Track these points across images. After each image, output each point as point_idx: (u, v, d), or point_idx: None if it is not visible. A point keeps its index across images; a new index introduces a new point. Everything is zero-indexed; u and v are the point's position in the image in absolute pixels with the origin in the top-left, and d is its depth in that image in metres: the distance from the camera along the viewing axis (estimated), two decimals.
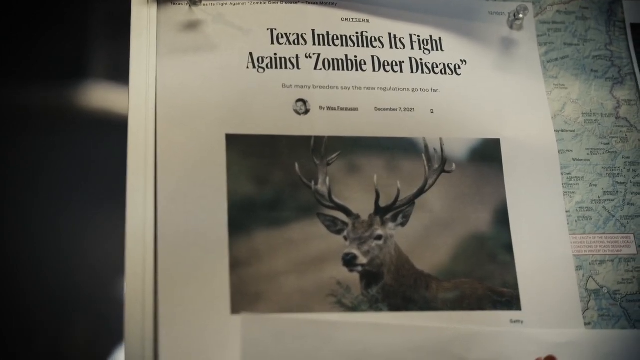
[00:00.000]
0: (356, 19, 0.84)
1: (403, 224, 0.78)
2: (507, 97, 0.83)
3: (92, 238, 0.96)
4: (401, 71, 0.83)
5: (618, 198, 0.82)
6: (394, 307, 0.75)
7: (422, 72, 0.83)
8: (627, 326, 0.78)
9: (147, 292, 0.72)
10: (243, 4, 0.82)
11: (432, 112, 0.82)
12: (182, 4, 0.81)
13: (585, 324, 0.78)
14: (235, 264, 0.74)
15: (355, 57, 0.82)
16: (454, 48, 0.85)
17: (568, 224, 0.80)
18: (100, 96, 1.01)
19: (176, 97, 0.78)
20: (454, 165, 0.80)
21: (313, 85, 0.81)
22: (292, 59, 0.81)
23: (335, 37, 0.83)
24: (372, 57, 0.83)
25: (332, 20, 0.83)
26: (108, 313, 0.93)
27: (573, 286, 0.79)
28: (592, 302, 0.78)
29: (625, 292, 0.79)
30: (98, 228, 0.97)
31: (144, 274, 0.72)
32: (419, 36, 0.84)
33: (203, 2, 0.81)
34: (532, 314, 0.77)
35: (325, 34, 0.83)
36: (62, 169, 0.98)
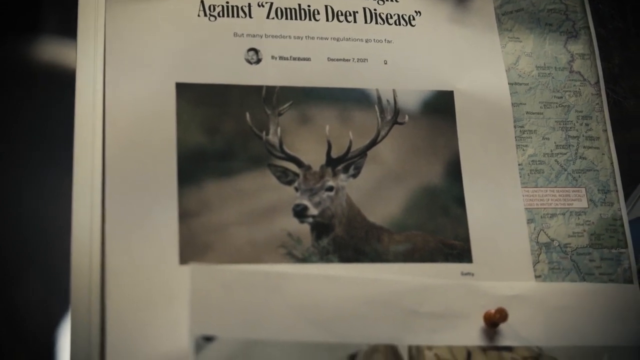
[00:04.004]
0: None
1: (355, 176, 0.77)
2: (461, 50, 0.83)
3: (39, 192, 0.94)
4: (355, 21, 0.82)
5: (570, 152, 0.82)
6: (345, 259, 0.75)
7: (376, 23, 0.82)
8: (577, 279, 0.79)
9: (94, 242, 0.71)
10: None
11: (386, 63, 0.81)
12: None
13: (536, 276, 0.78)
14: (185, 215, 0.73)
15: (309, 6, 0.81)
16: None
17: (520, 177, 0.80)
18: (49, 49, 0.99)
19: (125, 46, 0.77)
20: (406, 117, 0.80)
21: (265, 35, 0.79)
22: (244, 8, 0.80)
23: None
24: (326, 6, 0.82)
25: None
26: (57, 268, 0.91)
27: (524, 239, 0.79)
28: (543, 255, 0.79)
29: (576, 245, 0.80)
30: (45, 182, 0.95)
31: (91, 225, 0.72)
32: None
33: None
34: (483, 267, 0.77)
35: None
36: (8, 124, 0.96)
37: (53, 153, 0.93)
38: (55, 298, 0.89)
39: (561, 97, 0.84)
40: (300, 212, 0.75)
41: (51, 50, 0.97)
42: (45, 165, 0.93)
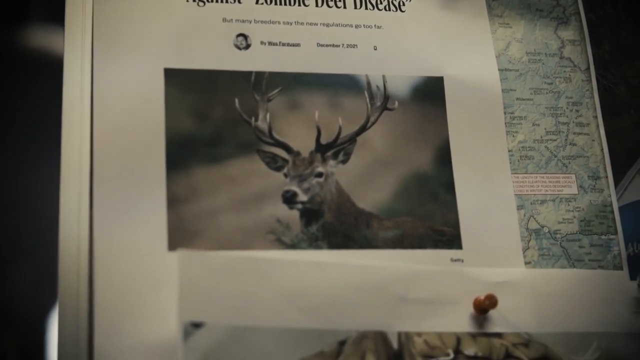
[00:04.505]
0: None
1: (344, 162, 0.77)
2: (451, 35, 0.83)
3: (27, 179, 0.94)
4: (344, 7, 0.81)
5: (560, 138, 0.82)
6: (334, 245, 0.74)
7: (366, 8, 0.82)
8: (567, 265, 0.79)
9: (82, 229, 0.71)
10: None
11: (375, 49, 0.81)
12: None
13: (526, 263, 0.78)
14: (173, 201, 0.72)
15: None
16: None
17: (510, 163, 0.80)
18: (36, 36, 0.99)
19: (114, 31, 0.76)
20: (396, 103, 0.79)
21: (254, 20, 0.79)
22: None
23: None
24: None
25: None
26: (45, 255, 0.91)
27: (514, 225, 0.79)
28: (533, 242, 0.79)
29: (566, 231, 0.80)
30: (33, 170, 0.94)
31: (79, 212, 0.71)
32: None
33: None
34: (472, 253, 0.77)
35: None
36: None
37: (41, 140, 0.92)
38: (44, 285, 0.89)
39: (551, 83, 0.84)
40: (289, 199, 0.75)
41: (38, 37, 0.97)
42: (33, 152, 0.93)
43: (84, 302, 0.69)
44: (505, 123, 0.81)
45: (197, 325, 0.68)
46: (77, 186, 0.72)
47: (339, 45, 0.80)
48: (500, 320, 0.74)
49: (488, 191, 0.79)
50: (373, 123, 0.78)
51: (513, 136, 0.81)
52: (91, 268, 0.70)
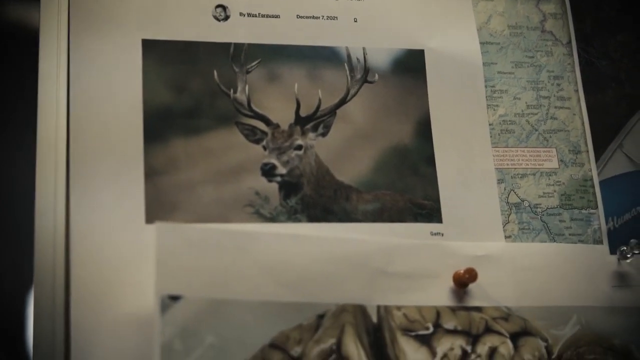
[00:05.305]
0: None
1: (324, 134, 0.76)
2: (432, 8, 0.82)
3: (2, 153, 0.93)
4: None
5: (541, 112, 0.82)
6: (313, 218, 0.74)
7: None
8: (547, 239, 0.79)
9: (59, 202, 0.70)
10: None
11: (356, 21, 0.80)
12: None
13: (506, 237, 0.78)
14: (151, 173, 0.72)
15: None
16: None
17: (491, 137, 0.80)
18: (10, 8, 0.97)
19: (90, 3, 0.75)
20: (376, 76, 0.79)
21: None
22: None
23: None
24: None
25: None
26: (21, 230, 0.90)
27: (494, 199, 0.78)
28: (513, 216, 0.78)
29: (546, 205, 0.79)
30: (8, 144, 0.93)
31: (56, 184, 0.71)
32: None
33: None
34: (452, 227, 0.76)
35: None
36: None
37: (16, 114, 0.91)
38: (20, 260, 0.88)
39: (533, 57, 0.83)
40: (268, 171, 0.74)
41: (14, 8, 0.96)
42: (9, 126, 0.92)
43: (61, 276, 0.68)
44: (486, 96, 0.81)
45: (174, 298, 0.67)
46: (53, 159, 0.71)
47: (318, 17, 0.79)
48: (480, 294, 0.74)
49: (468, 165, 0.78)
50: (353, 96, 0.78)
51: (494, 110, 0.81)
52: (68, 242, 0.69)
